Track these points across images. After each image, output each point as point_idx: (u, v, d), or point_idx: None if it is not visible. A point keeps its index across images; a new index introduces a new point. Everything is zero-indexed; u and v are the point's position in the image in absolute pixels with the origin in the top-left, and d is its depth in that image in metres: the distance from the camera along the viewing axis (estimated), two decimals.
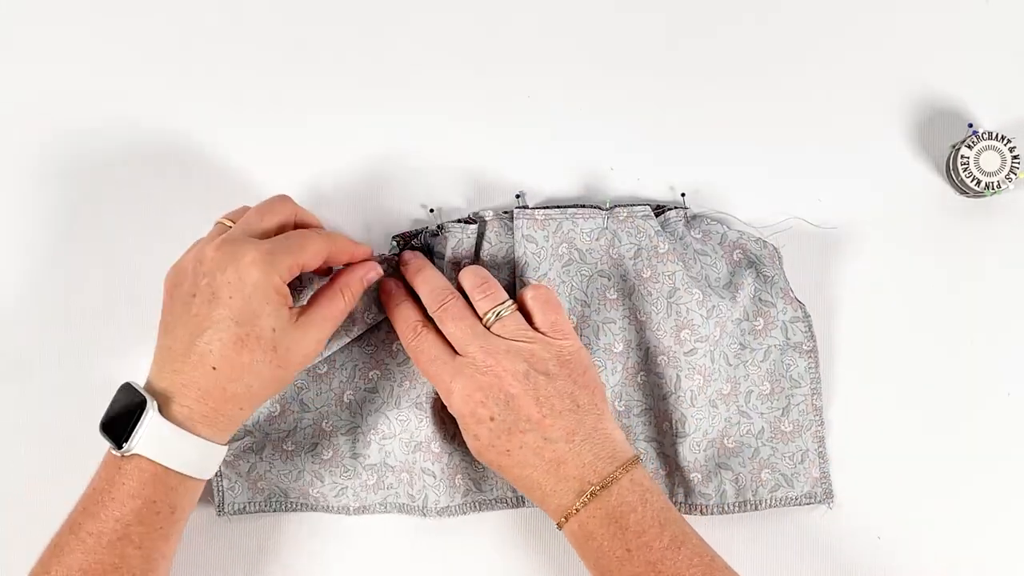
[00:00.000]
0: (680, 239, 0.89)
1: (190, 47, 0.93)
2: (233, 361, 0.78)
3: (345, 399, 0.89)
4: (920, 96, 0.93)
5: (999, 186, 0.89)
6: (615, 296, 0.89)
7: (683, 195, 0.91)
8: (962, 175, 0.89)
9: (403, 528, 0.90)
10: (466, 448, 0.89)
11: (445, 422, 0.88)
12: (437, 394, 0.87)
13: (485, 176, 0.92)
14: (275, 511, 0.89)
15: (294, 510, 0.89)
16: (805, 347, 0.89)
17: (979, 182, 0.89)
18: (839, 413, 0.90)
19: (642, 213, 0.88)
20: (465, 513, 0.89)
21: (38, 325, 0.91)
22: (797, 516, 0.89)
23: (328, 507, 0.89)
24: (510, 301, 0.84)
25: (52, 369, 0.90)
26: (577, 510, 0.80)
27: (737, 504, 0.88)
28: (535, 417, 0.81)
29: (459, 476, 0.89)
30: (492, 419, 0.81)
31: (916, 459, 0.90)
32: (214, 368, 0.78)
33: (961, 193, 0.92)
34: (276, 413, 0.89)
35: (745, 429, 0.89)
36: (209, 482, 0.88)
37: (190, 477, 0.79)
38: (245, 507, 0.89)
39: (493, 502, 0.89)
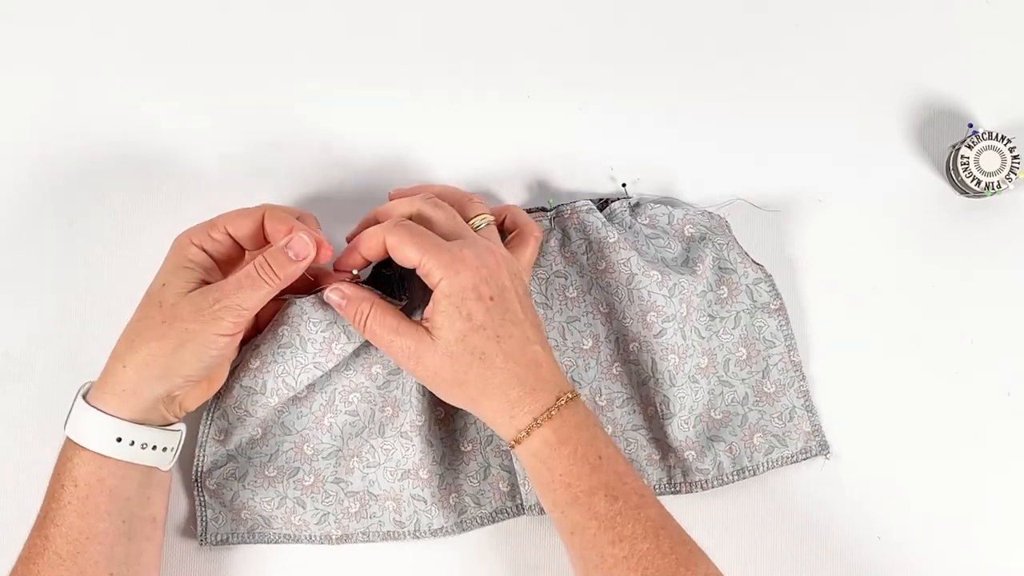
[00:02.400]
0: (629, 228, 0.89)
1: (175, 44, 0.93)
2: (129, 324, 0.81)
3: (326, 422, 0.88)
4: (920, 96, 0.93)
5: (999, 186, 0.89)
6: (575, 294, 0.89)
7: (624, 185, 0.91)
8: (962, 175, 0.89)
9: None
10: (458, 467, 0.88)
11: (432, 445, 0.87)
12: (421, 422, 0.86)
13: (484, 176, 0.92)
14: (257, 543, 0.89)
15: (276, 542, 0.89)
16: (772, 306, 0.89)
17: (979, 182, 0.89)
18: (836, 416, 0.90)
19: (585, 208, 0.88)
20: (465, 531, 0.89)
21: (38, 326, 0.91)
22: (804, 514, 0.90)
23: (311, 536, 0.88)
24: (492, 217, 0.84)
25: (52, 369, 0.90)
26: (551, 415, 0.78)
27: (735, 472, 0.88)
28: (520, 315, 0.80)
29: (453, 495, 0.88)
30: (492, 299, 0.79)
31: (915, 460, 0.90)
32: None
33: (961, 193, 0.92)
34: (258, 436, 0.88)
35: (730, 398, 0.89)
36: (192, 512, 0.88)
37: (83, 448, 0.79)
38: (228, 538, 0.88)
39: (494, 515, 0.89)
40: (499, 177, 0.92)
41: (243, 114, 0.93)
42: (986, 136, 0.89)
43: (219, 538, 0.88)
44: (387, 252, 0.81)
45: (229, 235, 0.82)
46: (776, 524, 0.89)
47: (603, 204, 0.89)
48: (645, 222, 0.89)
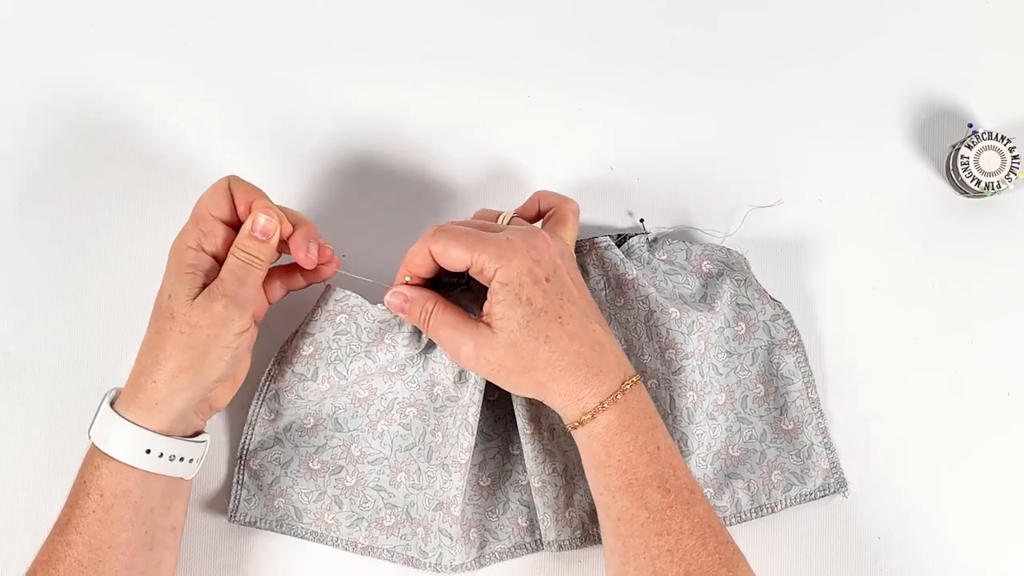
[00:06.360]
0: (647, 264, 0.88)
1: (178, 45, 0.93)
2: (147, 337, 0.80)
3: (379, 428, 0.88)
4: (920, 96, 0.93)
5: (999, 186, 0.89)
6: None
7: (641, 220, 0.91)
8: (962, 175, 0.89)
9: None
10: (478, 502, 0.87)
11: (466, 482, 0.86)
12: (464, 459, 0.84)
13: (484, 177, 0.92)
14: (283, 534, 0.88)
15: (302, 537, 0.88)
16: (790, 343, 0.89)
17: (979, 182, 0.89)
18: (835, 417, 0.90)
19: (604, 244, 0.87)
20: (483, 566, 0.88)
21: (38, 326, 0.91)
22: (805, 514, 0.89)
23: (338, 539, 0.88)
24: (511, 212, 0.84)
25: (52, 369, 0.90)
26: (616, 399, 0.77)
27: (753, 510, 0.87)
28: (575, 293, 0.79)
29: (473, 530, 0.88)
30: (547, 280, 0.78)
31: (916, 460, 0.90)
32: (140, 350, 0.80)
33: (961, 193, 0.92)
34: (309, 426, 0.88)
35: (747, 435, 0.89)
36: (229, 486, 0.88)
37: (110, 457, 0.78)
38: (256, 522, 0.88)
39: (512, 550, 0.88)
40: (499, 177, 0.92)
41: (243, 114, 0.93)
42: (986, 136, 0.89)
43: (248, 519, 0.88)
44: (435, 263, 0.80)
45: (216, 218, 0.81)
46: (774, 521, 0.89)
47: (621, 240, 0.89)
48: (663, 258, 0.89)
